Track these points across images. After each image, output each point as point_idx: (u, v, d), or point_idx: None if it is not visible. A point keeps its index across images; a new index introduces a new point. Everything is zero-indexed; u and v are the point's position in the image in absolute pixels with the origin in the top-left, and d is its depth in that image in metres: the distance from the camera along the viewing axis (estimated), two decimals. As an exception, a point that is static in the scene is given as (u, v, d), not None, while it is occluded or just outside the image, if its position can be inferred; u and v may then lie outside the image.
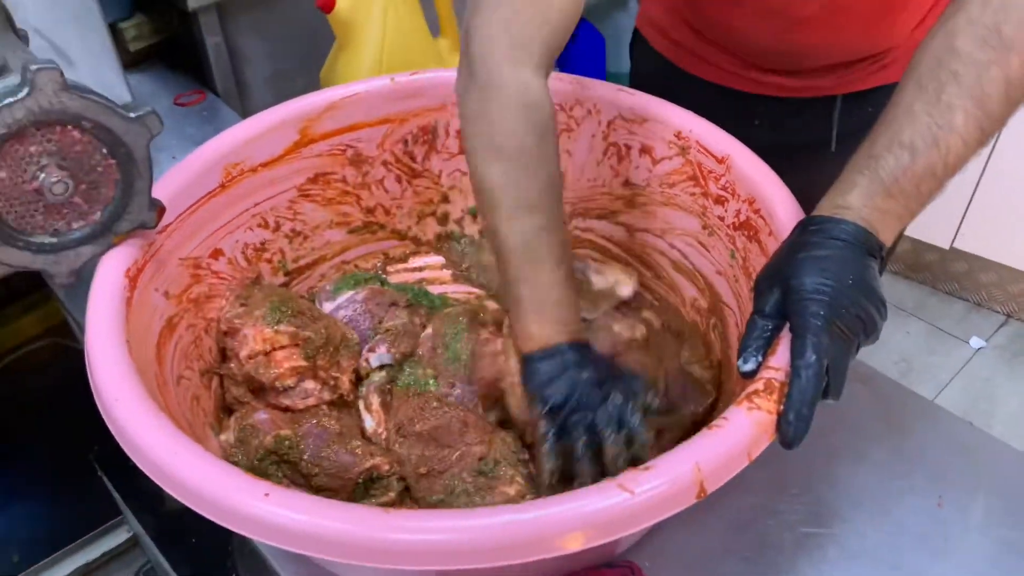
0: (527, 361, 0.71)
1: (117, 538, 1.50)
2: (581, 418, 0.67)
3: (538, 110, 0.72)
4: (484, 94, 0.71)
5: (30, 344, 1.73)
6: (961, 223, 1.99)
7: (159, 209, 0.73)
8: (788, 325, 0.63)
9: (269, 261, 0.93)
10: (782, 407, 0.58)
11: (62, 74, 0.63)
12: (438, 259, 1.04)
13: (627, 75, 1.16)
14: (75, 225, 0.70)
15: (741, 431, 0.57)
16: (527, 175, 0.71)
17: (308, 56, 1.52)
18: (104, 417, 0.61)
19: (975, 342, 2.08)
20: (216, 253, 0.86)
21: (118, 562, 1.52)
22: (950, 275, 2.16)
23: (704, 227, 0.89)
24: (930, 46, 0.65)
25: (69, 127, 0.66)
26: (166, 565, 1.08)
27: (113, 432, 0.61)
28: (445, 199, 1.02)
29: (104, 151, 0.68)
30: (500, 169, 0.71)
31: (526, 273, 0.71)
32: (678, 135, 0.88)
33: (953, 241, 2.03)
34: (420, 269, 1.03)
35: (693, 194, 0.89)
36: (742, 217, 0.83)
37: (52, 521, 1.51)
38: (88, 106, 0.66)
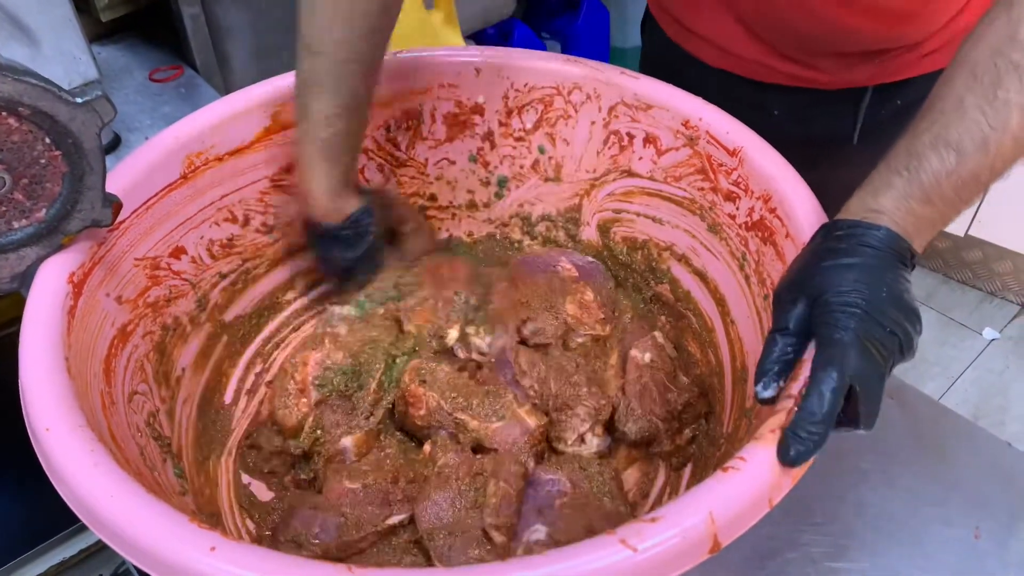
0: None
1: (95, 535, 1.44)
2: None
3: None
4: None
5: (5, 329, 1.67)
6: (977, 210, 1.91)
7: (115, 205, 0.66)
8: (812, 343, 0.55)
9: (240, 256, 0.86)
10: (788, 420, 0.51)
11: (-8, 53, 0.56)
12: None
13: (632, 51, 1.07)
14: (16, 224, 0.63)
15: (761, 474, 0.50)
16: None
17: (294, 28, 1.44)
18: (35, 450, 0.54)
19: (988, 333, 2.02)
20: (178, 251, 0.78)
21: (95, 560, 1.47)
22: (964, 263, 2.09)
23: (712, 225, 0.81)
24: (988, 31, 0.57)
25: (3, 114, 0.58)
26: (133, 570, 1.03)
27: (43, 466, 0.53)
28: (432, 196, 0.94)
29: (47, 141, 0.61)
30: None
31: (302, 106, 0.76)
32: (686, 124, 0.81)
33: (968, 228, 1.96)
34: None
35: (702, 189, 0.81)
36: (755, 216, 0.75)
37: (28, 516, 1.44)
38: (24, 90, 0.58)
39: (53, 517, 1.40)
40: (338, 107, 0.75)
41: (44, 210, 0.63)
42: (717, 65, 0.94)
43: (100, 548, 1.45)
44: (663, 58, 1.00)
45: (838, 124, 0.94)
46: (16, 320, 1.69)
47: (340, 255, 0.84)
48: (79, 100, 0.60)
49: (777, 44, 0.89)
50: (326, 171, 0.77)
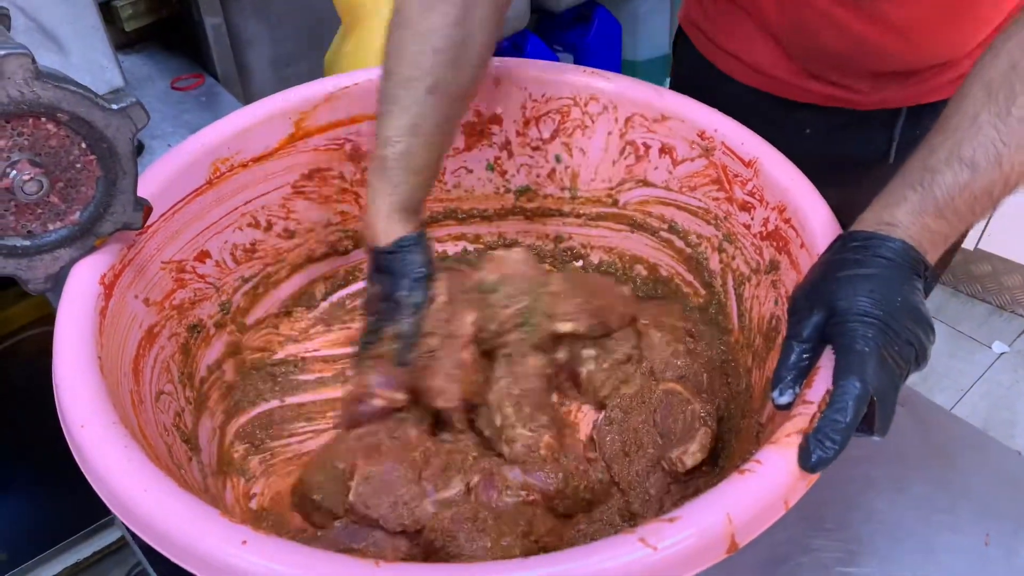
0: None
1: (110, 536, 1.46)
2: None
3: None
4: None
5: (23, 332, 1.69)
6: (987, 223, 1.92)
7: (145, 209, 0.67)
8: (827, 351, 0.57)
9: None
10: (811, 426, 0.53)
11: (34, 60, 0.57)
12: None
13: (643, 64, 1.09)
14: (51, 227, 0.64)
15: (777, 476, 0.51)
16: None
17: (312, 39, 1.47)
18: (69, 445, 0.56)
19: (998, 347, 2.02)
20: (202, 255, 0.80)
21: (110, 560, 1.48)
22: (973, 277, 2.09)
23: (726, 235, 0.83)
24: (1005, 47, 0.59)
25: (43, 119, 0.60)
26: (150, 570, 1.03)
27: (78, 462, 0.55)
28: (450, 200, 0.96)
29: (83, 146, 0.62)
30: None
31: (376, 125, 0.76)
32: (702, 135, 0.82)
33: (978, 242, 1.96)
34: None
35: (717, 199, 0.83)
36: (770, 226, 0.76)
37: (44, 516, 1.46)
38: (64, 96, 0.59)
39: (69, 518, 1.42)
40: (399, 129, 0.74)
41: (78, 212, 0.64)
42: (750, 83, 0.96)
43: (115, 549, 1.47)
44: (695, 76, 1.01)
45: (872, 144, 0.94)
46: (32, 324, 1.70)
47: (381, 286, 0.77)
48: (115, 107, 0.62)
49: (810, 64, 0.90)
50: (381, 191, 0.75)
